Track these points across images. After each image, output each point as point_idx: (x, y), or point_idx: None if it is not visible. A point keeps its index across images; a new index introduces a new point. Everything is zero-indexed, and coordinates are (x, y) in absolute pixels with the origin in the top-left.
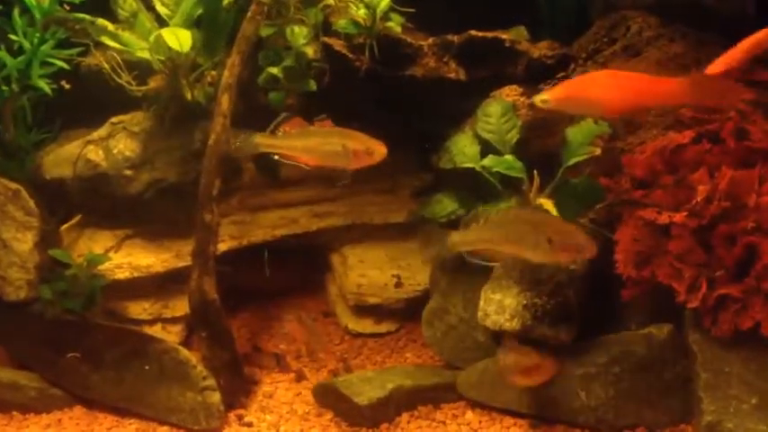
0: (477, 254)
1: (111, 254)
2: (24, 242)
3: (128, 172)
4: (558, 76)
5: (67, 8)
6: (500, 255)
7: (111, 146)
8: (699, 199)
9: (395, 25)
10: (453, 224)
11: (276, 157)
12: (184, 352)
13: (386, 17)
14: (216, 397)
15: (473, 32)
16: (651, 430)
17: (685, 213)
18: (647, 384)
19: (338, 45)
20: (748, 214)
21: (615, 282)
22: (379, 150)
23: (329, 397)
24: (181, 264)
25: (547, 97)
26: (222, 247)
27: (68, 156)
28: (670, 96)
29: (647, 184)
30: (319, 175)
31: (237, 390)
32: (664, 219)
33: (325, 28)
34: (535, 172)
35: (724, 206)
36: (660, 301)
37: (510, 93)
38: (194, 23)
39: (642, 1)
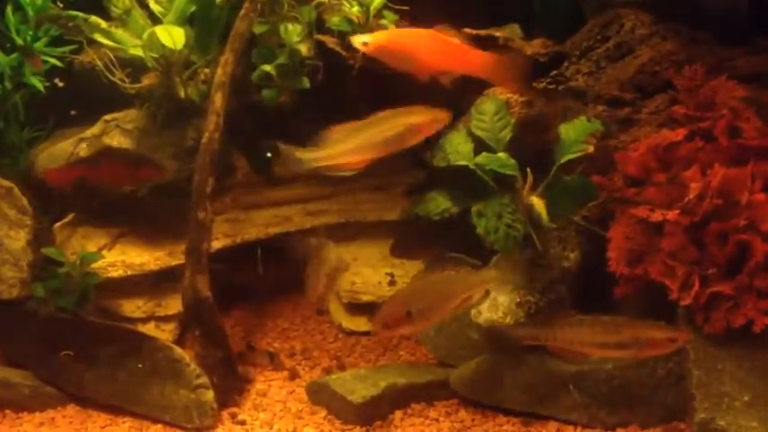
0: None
1: (104, 252)
2: (17, 240)
3: None
4: (552, 73)
5: (60, 5)
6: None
7: (105, 143)
8: (691, 196)
9: (388, 23)
10: (447, 222)
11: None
12: (178, 350)
13: (379, 15)
14: (209, 395)
15: (466, 30)
16: (644, 427)
17: (678, 211)
18: (639, 382)
19: (332, 42)
20: (740, 212)
21: (608, 279)
22: (442, 117)
23: (323, 395)
24: (174, 262)
25: (368, 40)
26: (216, 244)
27: (61, 153)
28: (473, 68)
29: (640, 181)
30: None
31: (231, 388)
32: (656, 216)
33: (319, 25)
34: (528, 170)
35: (716, 204)
36: (653, 299)
37: (503, 90)
38: (187, 21)
39: None
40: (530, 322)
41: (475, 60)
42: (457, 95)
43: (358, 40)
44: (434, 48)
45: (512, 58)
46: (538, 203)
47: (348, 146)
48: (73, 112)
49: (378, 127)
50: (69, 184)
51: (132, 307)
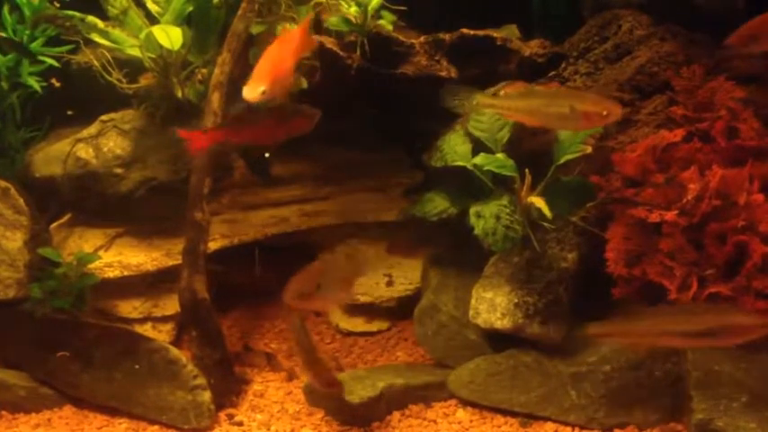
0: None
1: (101, 252)
2: (14, 241)
3: (118, 170)
4: (550, 74)
5: (57, 5)
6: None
7: (102, 144)
8: (689, 197)
9: (386, 23)
10: (444, 222)
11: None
12: (174, 351)
13: (377, 15)
14: (206, 396)
15: (465, 31)
16: (641, 429)
17: (676, 212)
18: (637, 383)
19: (329, 43)
20: (739, 213)
21: (606, 280)
22: (614, 110)
23: (320, 396)
24: (171, 262)
25: (265, 88)
26: (213, 245)
27: (58, 154)
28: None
29: (639, 182)
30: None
31: (228, 389)
32: (655, 217)
33: (317, 26)
34: (527, 170)
35: (715, 205)
36: (651, 300)
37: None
38: (185, 21)
39: None
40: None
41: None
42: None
43: (253, 91)
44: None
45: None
46: (539, 202)
47: (516, 103)
48: (70, 113)
49: (547, 99)
50: (211, 148)
51: (129, 308)
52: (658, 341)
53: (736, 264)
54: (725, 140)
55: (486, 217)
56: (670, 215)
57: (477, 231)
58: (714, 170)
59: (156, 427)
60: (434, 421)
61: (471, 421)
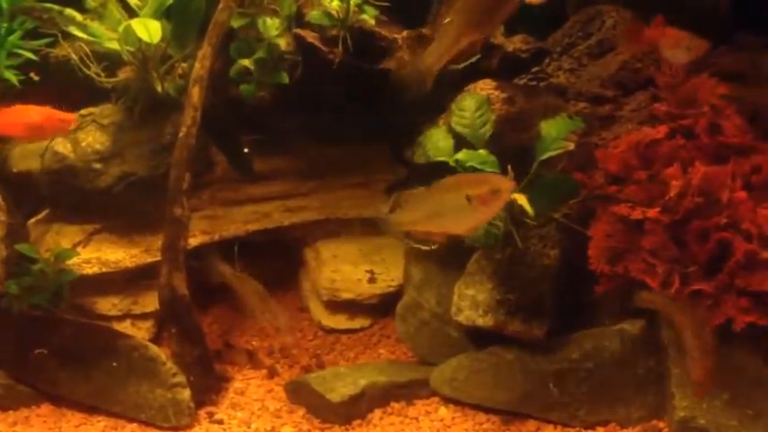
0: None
1: (79, 249)
2: None
3: (96, 165)
4: (533, 70)
5: None
6: (433, 234)
7: (80, 138)
8: (672, 194)
9: (369, 18)
10: None
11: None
12: (154, 348)
13: (360, 9)
14: (186, 394)
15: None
16: (624, 426)
17: (659, 209)
18: (619, 380)
19: (311, 37)
20: (721, 210)
21: (589, 277)
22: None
23: (301, 393)
24: (150, 259)
25: None
26: (193, 242)
27: (36, 148)
28: None
29: (621, 179)
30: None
31: (208, 387)
32: (637, 214)
33: (298, 20)
34: (509, 167)
35: (697, 202)
36: (633, 297)
37: (484, 86)
38: (165, 14)
39: None
40: None
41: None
42: (439, 92)
43: None
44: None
45: None
46: (521, 199)
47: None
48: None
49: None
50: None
51: (108, 305)
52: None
53: (718, 261)
54: (708, 137)
55: None
56: (652, 212)
57: None
58: (697, 167)
59: (134, 425)
60: (416, 419)
61: (453, 419)
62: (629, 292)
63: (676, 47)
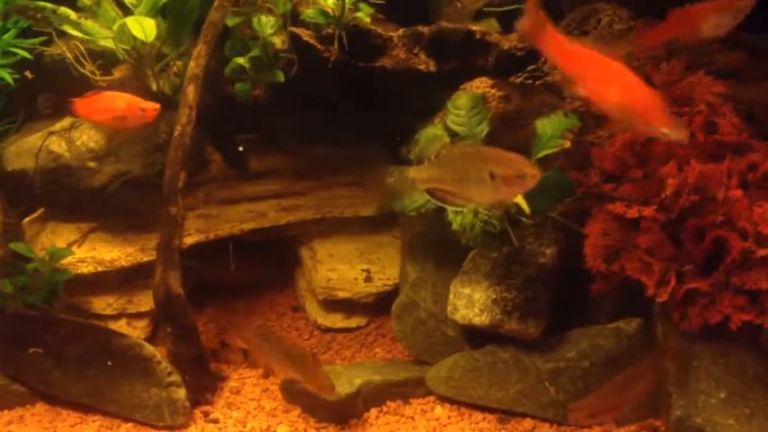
0: (434, 193)
1: (74, 248)
2: None
3: (91, 164)
4: (529, 68)
5: None
6: (452, 196)
7: (75, 137)
8: (668, 192)
9: (364, 16)
10: (423, 217)
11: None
12: (149, 348)
13: (355, 7)
14: (181, 393)
15: (443, 24)
16: (620, 425)
17: (654, 207)
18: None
19: (306, 35)
20: (717, 208)
21: (585, 276)
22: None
23: (297, 393)
24: (146, 258)
25: None
26: (188, 240)
27: (31, 147)
28: None
29: (617, 177)
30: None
31: (203, 386)
32: (633, 213)
33: (293, 18)
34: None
35: (693, 200)
36: (629, 296)
37: (480, 85)
38: (160, 12)
39: None
40: None
41: None
42: (436, 90)
43: None
44: None
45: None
46: (517, 198)
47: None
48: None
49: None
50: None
51: (103, 304)
52: None
53: (714, 259)
54: (704, 135)
55: (465, 212)
56: (648, 210)
57: (455, 226)
58: (693, 165)
59: (130, 424)
60: (412, 418)
61: (449, 418)
62: (625, 290)
63: (724, 12)
